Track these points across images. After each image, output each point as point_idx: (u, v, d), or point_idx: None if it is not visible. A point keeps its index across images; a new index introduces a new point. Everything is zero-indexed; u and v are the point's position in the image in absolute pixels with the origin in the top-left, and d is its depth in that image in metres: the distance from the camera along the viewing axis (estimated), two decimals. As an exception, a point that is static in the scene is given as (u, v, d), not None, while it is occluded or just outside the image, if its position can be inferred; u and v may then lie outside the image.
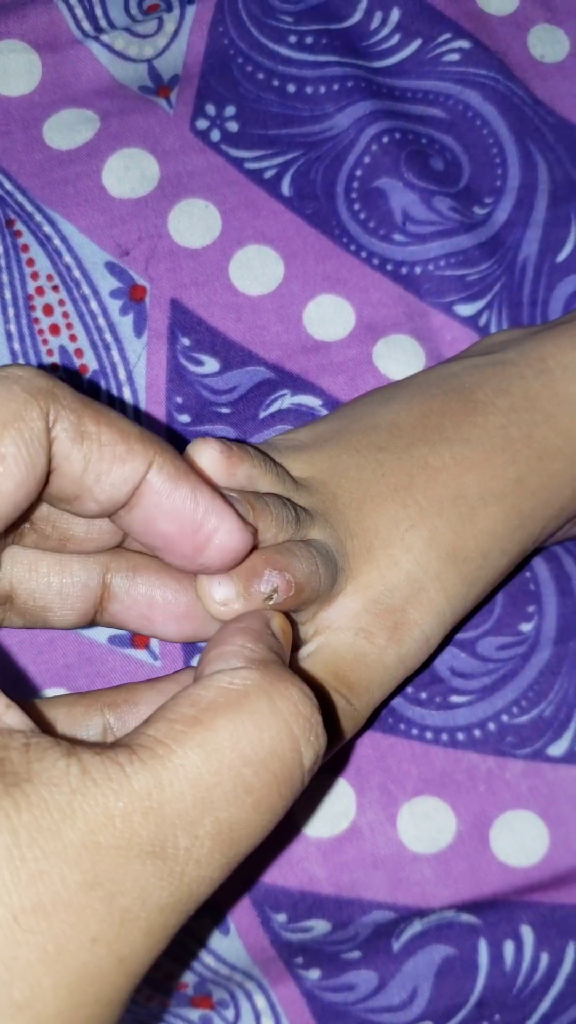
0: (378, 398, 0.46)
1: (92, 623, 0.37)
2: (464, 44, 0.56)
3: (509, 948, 0.46)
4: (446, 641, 0.47)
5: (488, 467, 0.43)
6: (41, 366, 0.51)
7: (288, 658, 0.34)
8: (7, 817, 0.23)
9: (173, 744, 0.26)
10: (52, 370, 0.51)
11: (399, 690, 0.48)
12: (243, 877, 0.46)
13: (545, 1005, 0.46)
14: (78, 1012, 0.24)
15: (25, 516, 0.33)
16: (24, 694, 0.47)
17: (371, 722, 0.47)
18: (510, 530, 0.43)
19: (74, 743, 0.26)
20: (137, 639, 0.48)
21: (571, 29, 0.58)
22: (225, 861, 0.27)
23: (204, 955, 0.46)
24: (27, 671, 0.47)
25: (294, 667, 0.39)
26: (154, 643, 0.48)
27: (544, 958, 0.46)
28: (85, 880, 0.24)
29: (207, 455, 0.36)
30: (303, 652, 0.40)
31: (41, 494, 0.30)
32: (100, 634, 0.47)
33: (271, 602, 0.35)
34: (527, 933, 0.46)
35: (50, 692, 0.47)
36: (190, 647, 0.48)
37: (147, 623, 0.37)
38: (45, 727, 0.34)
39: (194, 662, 0.48)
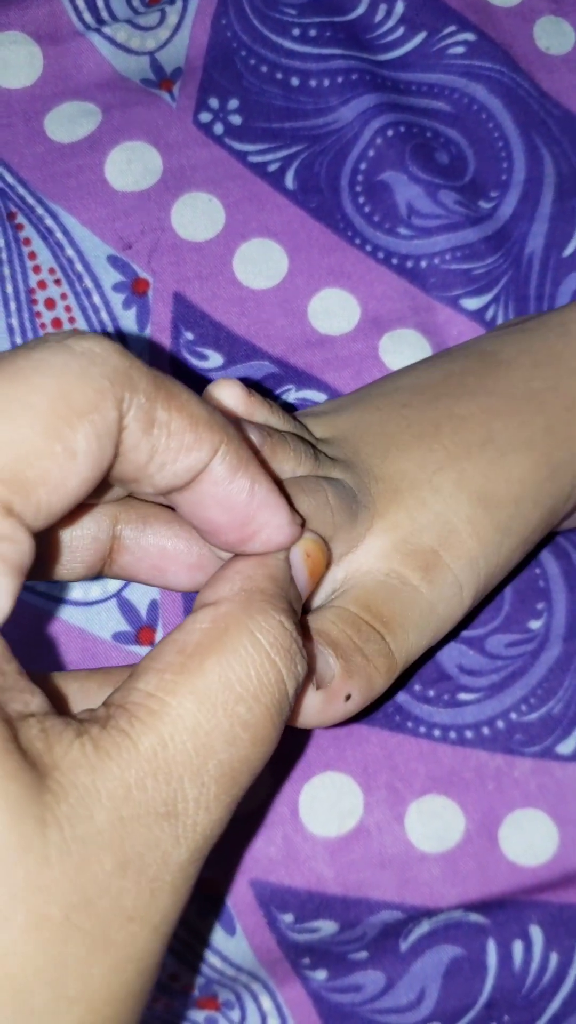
0: (398, 370, 0.45)
1: (100, 575, 0.36)
2: (469, 36, 0.56)
3: (518, 948, 0.46)
4: (479, 608, 0.46)
5: (516, 415, 0.42)
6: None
7: (311, 581, 0.34)
8: (51, 811, 0.23)
9: (166, 696, 0.26)
10: None
11: (408, 685, 0.47)
12: (252, 879, 0.46)
13: (555, 1005, 0.46)
14: (124, 990, 0.24)
15: None
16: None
17: (377, 714, 0.46)
18: (540, 480, 0.42)
19: (75, 718, 0.26)
20: (142, 636, 0.47)
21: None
22: (230, 800, 0.27)
23: (210, 956, 0.45)
24: (30, 669, 0.46)
25: (303, 624, 0.38)
26: (159, 639, 0.47)
27: (554, 958, 0.46)
28: (118, 861, 0.24)
29: (229, 392, 0.35)
30: (335, 594, 0.39)
31: None
32: (104, 631, 0.47)
33: None
34: (536, 933, 0.46)
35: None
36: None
37: (159, 573, 0.36)
38: (57, 701, 0.34)
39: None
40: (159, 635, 0.47)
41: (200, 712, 0.26)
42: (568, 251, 0.54)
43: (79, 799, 0.24)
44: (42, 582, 0.41)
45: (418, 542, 0.39)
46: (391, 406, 0.42)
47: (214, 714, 0.27)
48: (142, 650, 0.47)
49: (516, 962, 0.46)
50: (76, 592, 0.47)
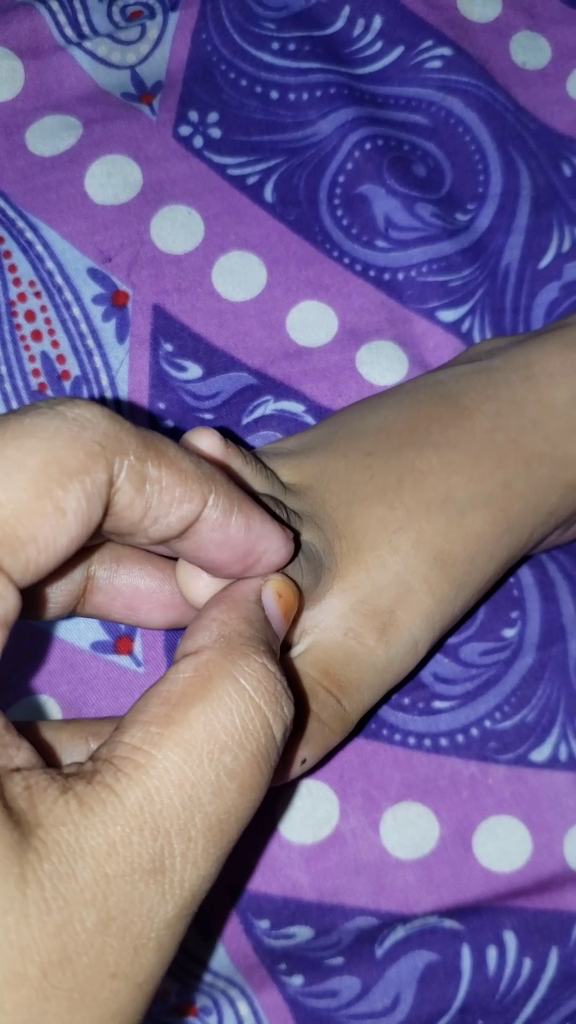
0: (366, 406, 0.46)
1: (72, 614, 0.37)
2: (446, 51, 0.57)
3: (492, 954, 0.46)
4: (434, 650, 0.48)
5: (475, 470, 0.43)
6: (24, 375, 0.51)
7: (285, 621, 0.35)
8: (32, 869, 0.24)
9: (152, 749, 0.27)
10: (34, 376, 0.51)
11: (386, 698, 0.48)
12: (230, 886, 0.47)
13: (528, 1011, 0.46)
14: None
15: None
16: (8, 700, 0.47)
17: (356, 728, 0.47)
18: (498, 534, 0.43)
19: (62, 772, 0.26)
20: (120, 645, 0.48)
21: (552, 36, 0.58)
22: (218, 853, 0.27)
23: (187, 961, 0.46)
24: (10, 679, 0.47)
25: (286, 663, 0.40)
26: (137, 649, 0.48)
27: (527, 964, 0.46)
28: (100, 919, 0.24)
29: (207, 441, 0.36)
30: (293, 652, 0.41)
31: None
32: (83, 640, 0.48)
33: None
34: (510, 939, 0.47)
35: (33, 699, 0.47)
36: (172, 654, 0.48)
37: (131, 612, 0.37)
38: (44, 751, 0.35)
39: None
40: (137, 644, 0.48)
41: (186, 764, 0.27)
42: (544, 263, 0.55)
43: (61, 857, 0.24)
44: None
45: (375, 603, 0.41)
46: (356, 453, 0.43)
47: (200, 765, 0.27)
48: (120, 660, 0.48)
49: (490, 967, 0.46)
50: None
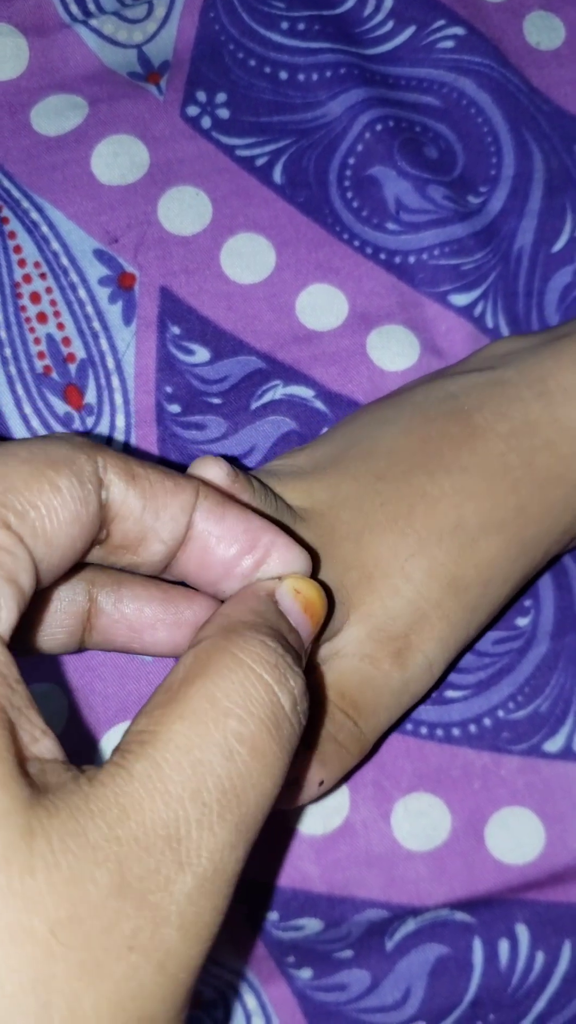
0: (377, 417, 0.46)
1: (81, 646, 0.37)
2: (459, 31, 0.56)
3: (504, 947, 0.46)
4: (450, 669, 0.48)
5: (488, 496, 0.43)
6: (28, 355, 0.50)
7: (308, 618, 0.34)
8: (40, 823, 0.23)
9: (156, 727, 0.27)
10: (39, 359, 0.50)
11: (403, 719, 0.48)
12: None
13: (540, 1005, 0.46)
14: None
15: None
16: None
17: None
18: (511, 558, 0.43)
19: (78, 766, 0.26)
20: None
21: (567, 16, 0.58)
22: (236, 820, 0.27)
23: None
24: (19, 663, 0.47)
25: (311, 680, 0.40)
26: None
27: (540, 957, 0.46)
28: (114, 882, 0.24)
29: (214, 473, 0.36)
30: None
31: (104, 544, 0.31)
32: None
33: None
34: (522, 932, 0.46)
35: (38, 688, 0.47)
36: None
37: (136, 635, 0.37)
38: None
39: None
40: None
41: (191, 731, 0.27)
42: (557, 247, 0.55)
43: (71, 815, 0.24)
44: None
45: (390, 629, 0.42)
46: (367, 476, 0.43)
47: (205, 730, 0.27)
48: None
49: (502, 961, 0.46)
50: None
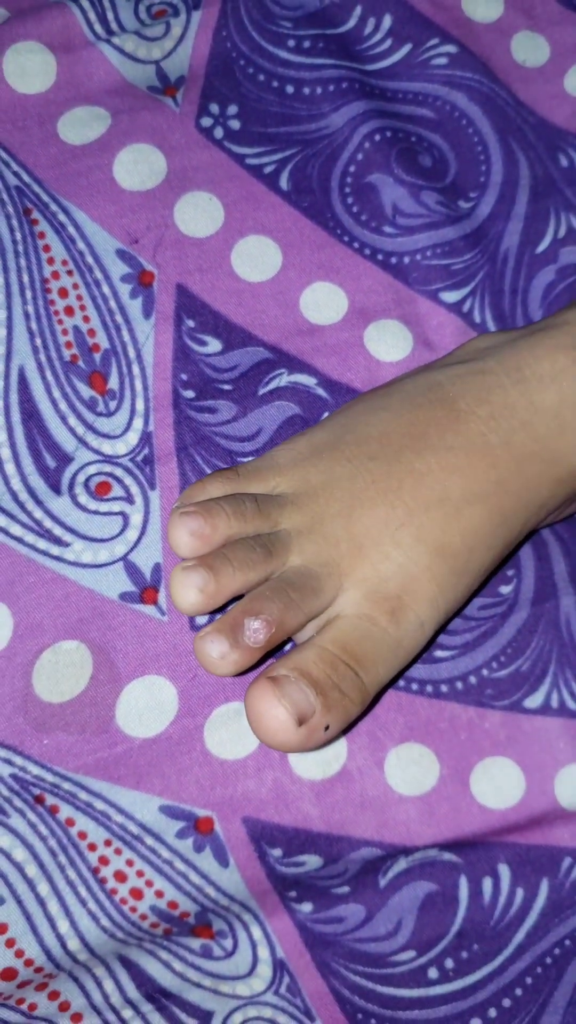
0: (371, 405, 0.50)
1: None
2: (451, 49, 0.61)
3: (487, 884, 0.50)
4: (439, 631, 0.52)
5: (470, 471, 0.47)
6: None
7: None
8: None
9: None
10: (67, 348, 0.54)
11: (397, 677, 0.52)
12: (244, 817, 0.50)
13: (520, 936, 0.50)
14: None
15: None
16: (40, 646, 0.51)
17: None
18: (493, 527, 0.48)
19: None
20: (145, 595, 0.52)
21: (552, 35, 0.62)
22: None
23: (205, 886, 0.50)
24: (43, 623, 0.51)
25: (304, 647, 0.45)
26: (162, 599, 0.52)
27: (519, 893, 0.50)
28: None
29: (183, 543, 0.44)
30: (314, 633, 0.46)
31: None
32: (112, 591, 0.51)
33: (261, 641, 0.42)
34: (504, 871, 0.50)
35: (65, 644, 0.51)
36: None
37: None
38: None
39: (199, 620, 0.52)
40: (161, 595, 0.52)
41: None
42: (541, 248, 0.59)
43: None
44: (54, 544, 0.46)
45: (384, 590, 0.46)
46: (360, 458, 0.48)
47: None
48: (146, 608, 0.51)
49: (485, 896, 0.50)
50: (86, 555, 0.52)
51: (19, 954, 0.46)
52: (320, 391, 0.56)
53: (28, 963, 0.47)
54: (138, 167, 0.58)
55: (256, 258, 0.58)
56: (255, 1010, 0.48)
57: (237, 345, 0.56)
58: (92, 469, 0.53)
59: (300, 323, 0.57)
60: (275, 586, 0.44)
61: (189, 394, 0.55)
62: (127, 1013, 0.47)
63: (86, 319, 0.55)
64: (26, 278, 0.55)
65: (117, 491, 0.53)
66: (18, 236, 0.56)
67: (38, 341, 0.54)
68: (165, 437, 0.54)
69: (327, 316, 0.57)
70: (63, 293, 0.55)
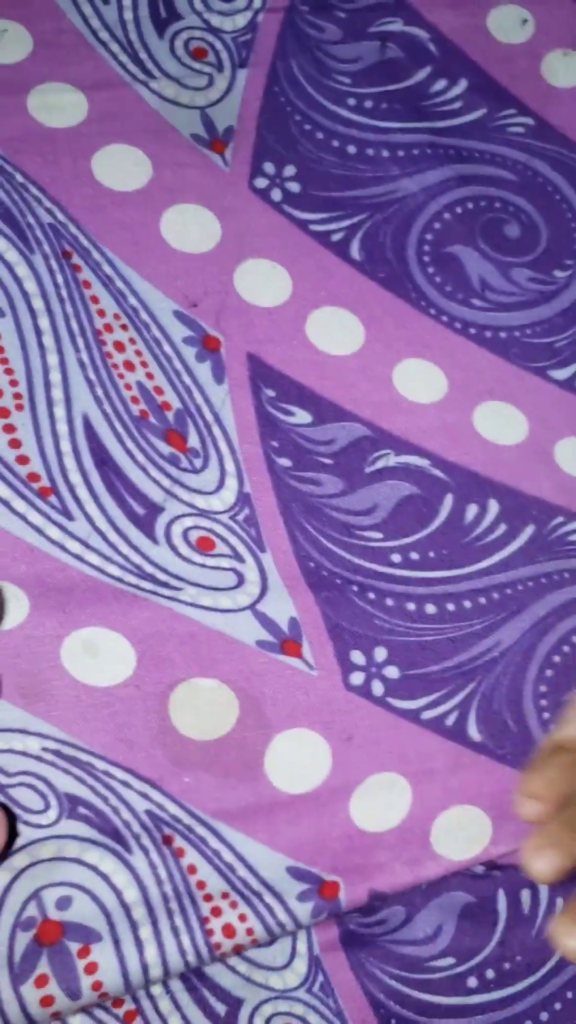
0: None
1: None
2: (529, 121, 0.58)
3: (526, 895, 0.48)
4: None
5: None
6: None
7: None
8: None
9: None
10: (134, 403, 0.46)
11: None
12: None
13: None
14: None
15: None
16: (173, 679, 0.46)
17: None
18: None
19: None
20: (287, 647, 0.47)
21: None
22: None
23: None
24: (172, 657, 0.46)
25: None
26: (306, 653, 0.47)
27: (559, 904, 0.48)
28: None
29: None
30: None
31: None
32: (246, 636, 0.47)
33: None
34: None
35: (203, 682, 0.46)
36: (344, 656, 0.47)
37: None
38: None
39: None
40: (305, 648, 0.47)
41: None
42: None
43: None
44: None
45: None
46: None
47: None
48: (291, 660, 0.47)
49: (524, 907, 0.48)
50: (205, 600, 0.47)
51: (103, 996, 0.42)
52: (437, 472, 0.50)
53: (103, 996, 0.43)
54: (188, 228, 0.52)
55: (335, 331, 0.52)
56: (286, 1005, 0.46)
57: (330, 419, 0.50)
58: (188, 522, 0.48)
59: (397, 401, 0.51)
60: None
61: (285, 462, 0.49)
62: (156, 990, 0.44)
63: (150, 376, 0.49)
64: (75, 326, 0.49)
65: (222, 548, 0.48)
66: (59, 280, 0.49)
67: (99, 392, 0.48)
68: (266, 500, 0.49)
69: (426, 395, 0.52)
70: (119, 347, 0.49)
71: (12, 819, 0.44)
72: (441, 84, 0.58)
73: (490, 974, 0.47)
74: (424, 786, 0.47)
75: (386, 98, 0.57)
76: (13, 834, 0.44)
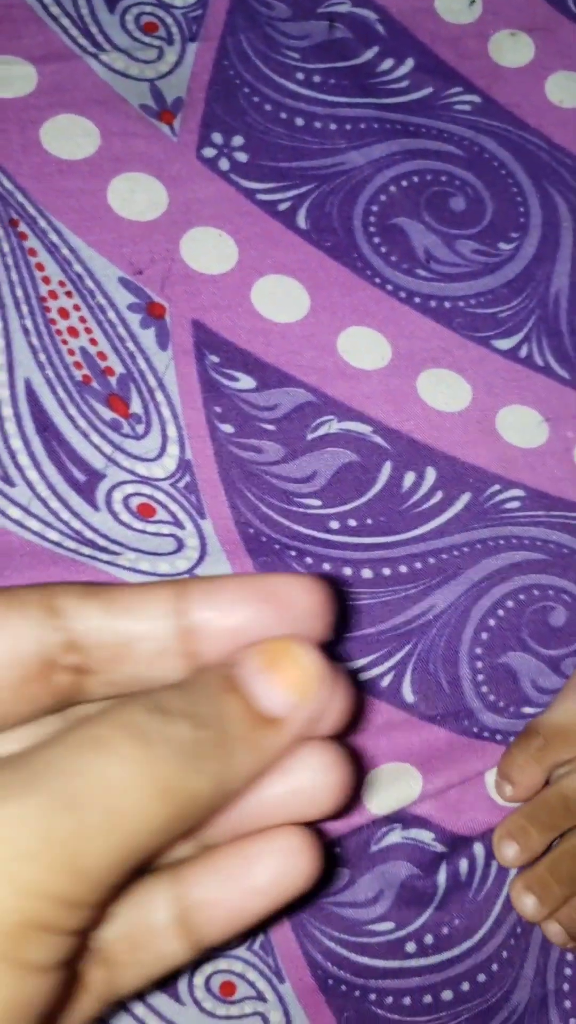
0: None
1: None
2: (475, 99, 0.59)
3: (464, 864, 0.48)
4: None
5: None
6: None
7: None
8: None
9: None
10: (76, 368, 0.46)
11: None
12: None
13: (497, 908, 0.48)
14: None
15: None
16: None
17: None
18: None
19: None
20: None
21: None
22: None
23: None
24: None
25: None
26: None
27: (494, 866, 0.49)
28: None
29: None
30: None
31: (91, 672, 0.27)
32: None
33: None
34: (479, 849, 0.49)
35: None
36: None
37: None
38: None
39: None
40: None
41: None
42: None
43: None
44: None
45: None
46: None
47: None
48: None
49: (462, 874, 0.48)
50: (143, 564, 0.46)
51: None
52: (378, 439, 0.50)
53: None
54: (135, 196, 0.52)
55: (280, 298, 0.52)
56: (226, 963, 0.45)
57: (274, 385, 0.50)
58: (129, 489, 0.47)
59: (342, 367, 0.51)
60: None
61: (227, 428, 0.49)
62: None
63: (93, 342, 0.49)
64: (20, 293, 0.49)
65: (163, 515, 0.48)
66: (5, 248, 0.50)
67: (42, 357, 0.48)
68: (207, 468, 0.48)
69: (371, 361, 0.52)
70: (64, 314, 0.49)
71: None
72: (388, 63, 0.58)
73: (428, 939, 0.47)
74: (358, 744, 0.46)
75: (334, 74, 0.57)
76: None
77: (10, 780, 0.22)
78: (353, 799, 0.46)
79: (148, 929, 0.27)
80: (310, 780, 0.26)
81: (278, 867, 0.27)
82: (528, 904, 0.47)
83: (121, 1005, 0.44)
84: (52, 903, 0.22)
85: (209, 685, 0.24)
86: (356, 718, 0.43)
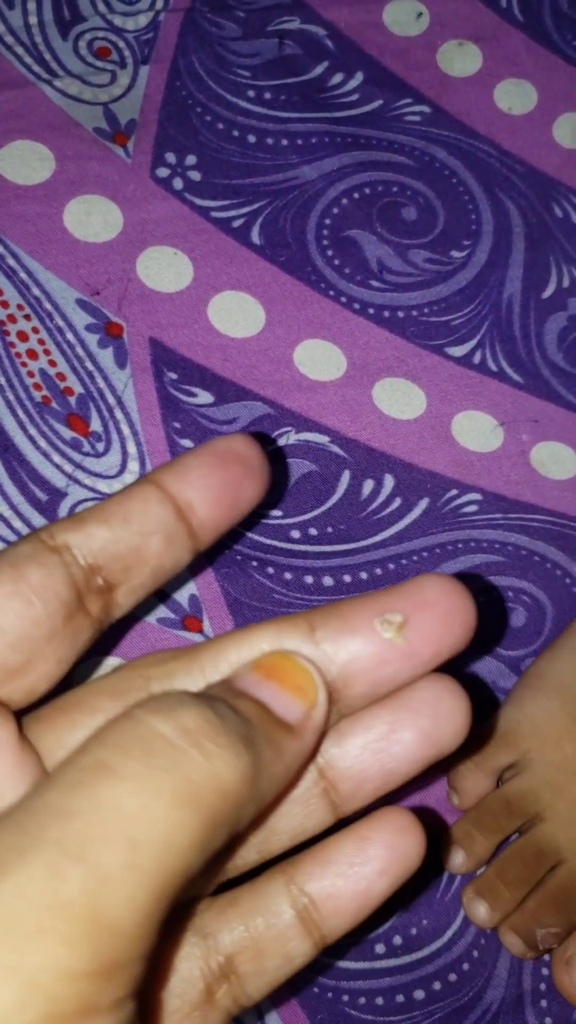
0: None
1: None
2: (425, 109, 0.59)
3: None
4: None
5: None
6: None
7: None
8: None
9: None
10: (36, 390, 0.47)
11: None
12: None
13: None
14: None
15: None
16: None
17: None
18: None
19: None
20: (188, 623, 0.47)
21: (538, 81, 0.61)
22: None
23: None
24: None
25: None
26: (207, 627, 0.47)
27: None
28: None
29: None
30: None
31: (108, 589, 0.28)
32: (151, 616, 0.47)
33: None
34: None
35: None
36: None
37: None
38: None
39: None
40: (206, 624, 0.47)
41: None
42: (546, 294, 0.56)
43: None
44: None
45: None
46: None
47: None
48: (190, 635, 0.47)
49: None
50: None
51: None
52: (335, 448, 0.51)
53: None
54: (91, 218, 0.53)
55: (236, 314, 0.53)
56: None
57: (232, 399, 0.51)
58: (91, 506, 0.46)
59: (298, 379, 0.52)
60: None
61: (187, 443, 0.49)
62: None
63: (52, 363, 0.50)
64: None
65: None
66: None
67: (1, 380, 0.49)
68: None
69: (327, 373, 0.52)
70: (23, 336, 0.50)
71: None
72: (338, 78, 0.59)
73: (397, 940, 0.48)
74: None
75: (284, 90, 0.58)
76: None
77: (8, 844, 0.20)
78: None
79: (273, 934, 0.27)
80: (438, 712, 0.27)
81: (392, 846, 0.27)
82: (480, 911, 0.47)
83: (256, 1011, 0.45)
84: (83, 981, 0.19)
85: (215, 690, 0.24)
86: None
